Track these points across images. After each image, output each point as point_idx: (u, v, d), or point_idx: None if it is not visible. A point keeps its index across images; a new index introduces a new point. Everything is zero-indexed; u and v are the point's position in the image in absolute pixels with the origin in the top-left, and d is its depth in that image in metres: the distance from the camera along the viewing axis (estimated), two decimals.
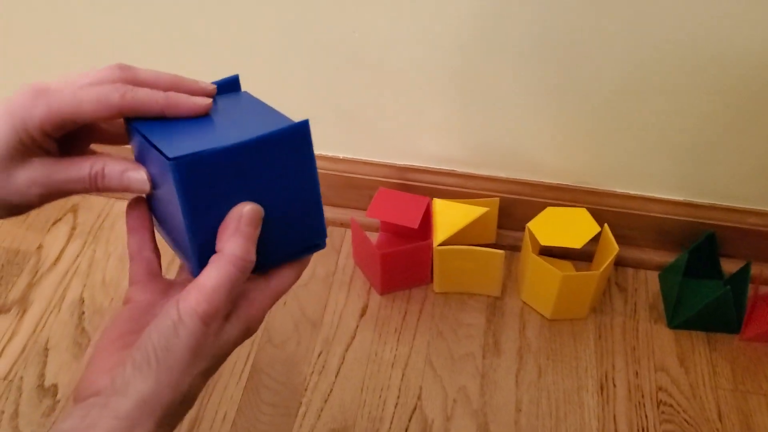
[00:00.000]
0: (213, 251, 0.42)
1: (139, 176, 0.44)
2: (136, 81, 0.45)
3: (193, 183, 0.40)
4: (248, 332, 0.44)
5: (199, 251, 0.42)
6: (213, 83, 0.48)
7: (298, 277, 0.46)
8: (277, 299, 0.45)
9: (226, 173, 0.41)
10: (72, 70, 0.45)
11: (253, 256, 0.41)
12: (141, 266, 0.46)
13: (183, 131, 0.44)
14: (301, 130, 0.43)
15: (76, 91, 0.42)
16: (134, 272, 0.46)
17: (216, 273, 0.40)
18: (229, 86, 0.50)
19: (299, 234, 0.46)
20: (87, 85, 0.43)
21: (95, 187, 0.44)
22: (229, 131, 0.43)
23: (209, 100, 0.45)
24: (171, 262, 0.85)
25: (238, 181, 0.42)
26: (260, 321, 0.44)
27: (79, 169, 0.43)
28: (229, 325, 0.42)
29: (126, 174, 0.44)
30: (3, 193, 0.43)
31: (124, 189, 0.44)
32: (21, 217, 1.02)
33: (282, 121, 0.44)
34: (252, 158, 0.42)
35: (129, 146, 0.48)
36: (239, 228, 0.41)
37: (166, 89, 0.45)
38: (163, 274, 0.48)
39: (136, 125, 0.44)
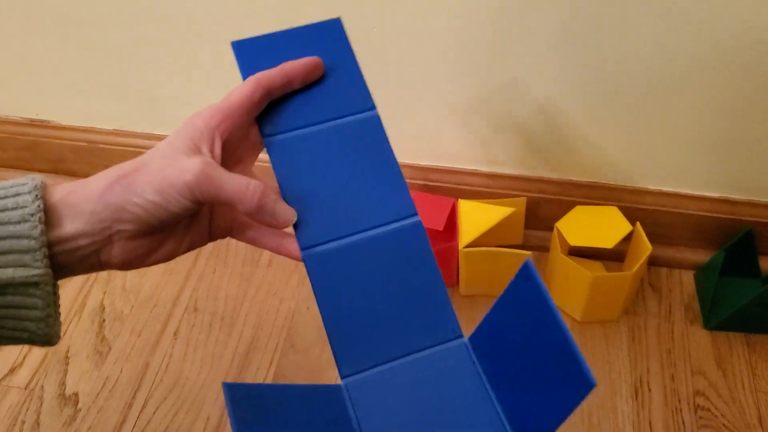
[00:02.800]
0: None
1: (292, 210, 0.46)
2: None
3: None
4: None
5: None
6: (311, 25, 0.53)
7: None
8: None
9: None
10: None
11: None
12: None
13: None
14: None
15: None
16: None
17: None
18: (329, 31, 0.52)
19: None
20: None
21: (250, 195, 0.43)
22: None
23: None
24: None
25: None
26: None
27: (240, 179, 0.43)
28: None
29: (280, 201, 0.45)
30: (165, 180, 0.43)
31: (271, 215, 0.44)
32: None
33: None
34: None
35: None
36: None
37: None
38: None
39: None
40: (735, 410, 0.80)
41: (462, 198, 0.89)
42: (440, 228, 0.86)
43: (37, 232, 0.39)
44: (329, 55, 0.50)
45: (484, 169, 0.92)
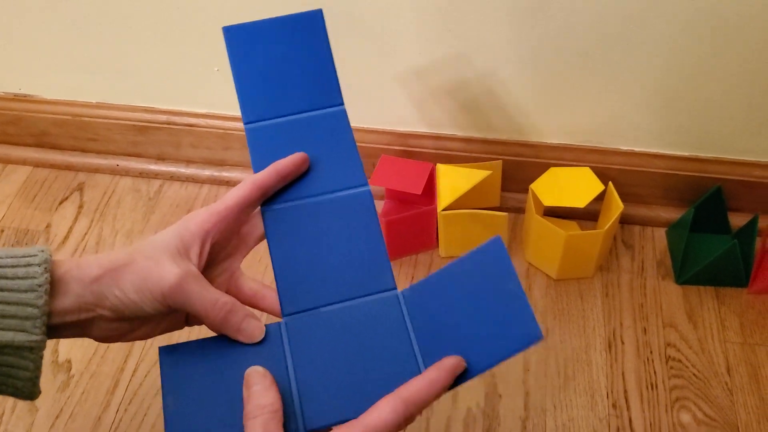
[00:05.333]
0: None
1: (260, 325, 0.47)
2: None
3: None
4: None
5: None
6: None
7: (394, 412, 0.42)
8: None
9: None
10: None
11: None
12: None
13: None
14: None
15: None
16: None
17: None
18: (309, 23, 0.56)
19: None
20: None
21: (215, 312, 0.46)
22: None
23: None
24: None
25: None
26: None
27: (210, 295, 0.46)
28: None
29: (248, 318, 0.47)
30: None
31: (236, 331, 0.47)
32: (29, 197, 1.03)
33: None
34: None
35: None
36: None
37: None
38: None
39: None
40: (704, 360, 0.83)
41: (440, 162, 0.91)
42: (419, 192, 0.88)
43: (41, 302, 0.43)
44: (307, 47, 0.55)
45: (461, 133, 0.94)
